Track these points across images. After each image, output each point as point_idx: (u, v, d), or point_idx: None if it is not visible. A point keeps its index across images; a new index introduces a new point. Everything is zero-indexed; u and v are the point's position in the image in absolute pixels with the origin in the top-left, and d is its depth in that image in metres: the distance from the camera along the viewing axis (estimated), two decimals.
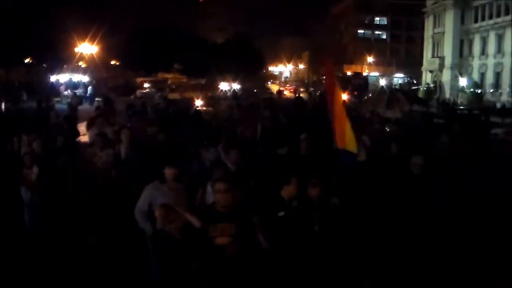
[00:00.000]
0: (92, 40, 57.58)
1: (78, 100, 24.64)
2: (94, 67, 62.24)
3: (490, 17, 70.48)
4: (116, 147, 10.30)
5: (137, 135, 11.31)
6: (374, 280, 6.77)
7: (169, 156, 8.82)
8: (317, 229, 6.23)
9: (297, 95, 22.32)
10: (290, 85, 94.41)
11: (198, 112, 18.87)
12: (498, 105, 53.50)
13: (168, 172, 7.46)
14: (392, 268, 6.79)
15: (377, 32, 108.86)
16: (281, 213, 6.25)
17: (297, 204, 6.39)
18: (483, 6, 71.99)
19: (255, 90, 60.38)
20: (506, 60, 66.95)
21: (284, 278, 6.03)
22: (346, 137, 7.63)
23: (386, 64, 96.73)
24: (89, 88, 47.22)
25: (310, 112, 18.27)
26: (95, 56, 60.61)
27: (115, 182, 9.29)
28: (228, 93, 43.58)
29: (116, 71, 79.18)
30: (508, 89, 65.74)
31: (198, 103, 23.01)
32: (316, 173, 6.87)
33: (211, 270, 5.52)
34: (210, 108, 23.75)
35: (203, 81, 70.42)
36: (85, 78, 56.98)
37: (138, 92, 53.73)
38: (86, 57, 60.58)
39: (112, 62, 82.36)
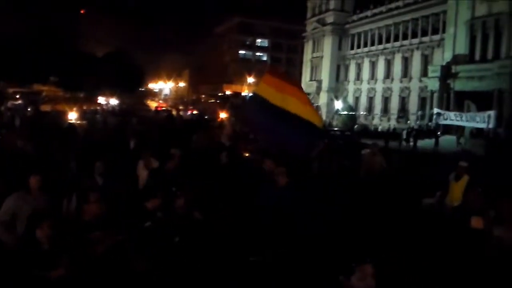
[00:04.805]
0: None
1: None
2: None
3: (365, 45, 74.70)
4: None
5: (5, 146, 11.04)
6: None
7: (35, 165, 8.42)
8: (177, 241, 6.25)
9: (167, 113, 22.67)
10: (163, 103, 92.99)
11: (71, 125, 18.33)
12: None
13: (33, 180, 7.10)
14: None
15: (258, 54, 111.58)
16: (148, 224, 6.27)
17: (161, 215, 6.43)
18: (359, 34, 76.08)
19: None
20: (378, 86, 71.13)
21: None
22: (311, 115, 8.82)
23: None
24: None
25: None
26: None
27: None
28: (105, 107, 42.75)
29: None
30: (379, 113, 69.65)
31: (72, 116, 22.33)
32: (182, 186, 6.93)
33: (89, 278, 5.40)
34: (84, 122, 23.07)
35: (80, 95, 68.35)
36: None
37: (10, 103, 50.99)
38: None
39: None
